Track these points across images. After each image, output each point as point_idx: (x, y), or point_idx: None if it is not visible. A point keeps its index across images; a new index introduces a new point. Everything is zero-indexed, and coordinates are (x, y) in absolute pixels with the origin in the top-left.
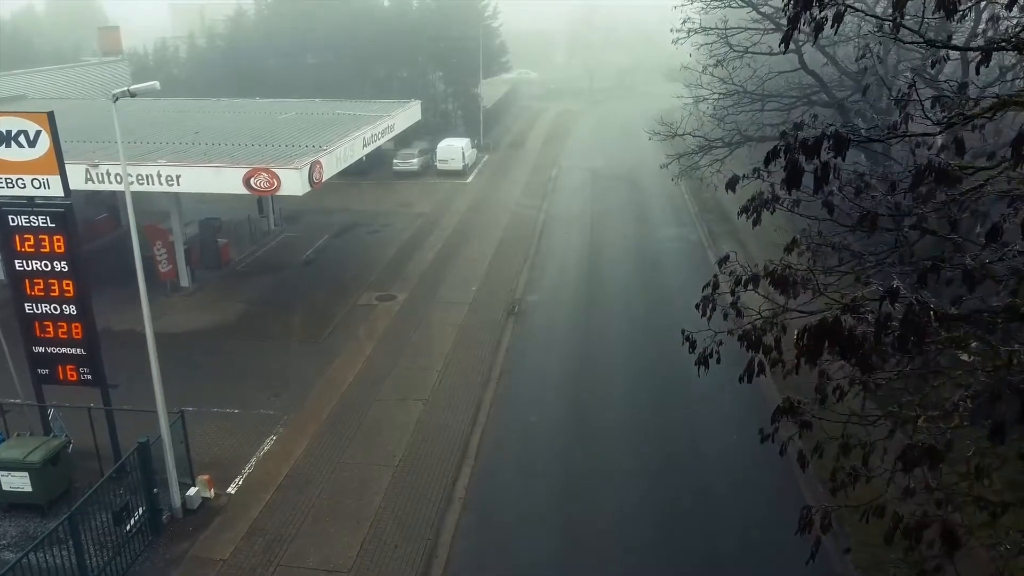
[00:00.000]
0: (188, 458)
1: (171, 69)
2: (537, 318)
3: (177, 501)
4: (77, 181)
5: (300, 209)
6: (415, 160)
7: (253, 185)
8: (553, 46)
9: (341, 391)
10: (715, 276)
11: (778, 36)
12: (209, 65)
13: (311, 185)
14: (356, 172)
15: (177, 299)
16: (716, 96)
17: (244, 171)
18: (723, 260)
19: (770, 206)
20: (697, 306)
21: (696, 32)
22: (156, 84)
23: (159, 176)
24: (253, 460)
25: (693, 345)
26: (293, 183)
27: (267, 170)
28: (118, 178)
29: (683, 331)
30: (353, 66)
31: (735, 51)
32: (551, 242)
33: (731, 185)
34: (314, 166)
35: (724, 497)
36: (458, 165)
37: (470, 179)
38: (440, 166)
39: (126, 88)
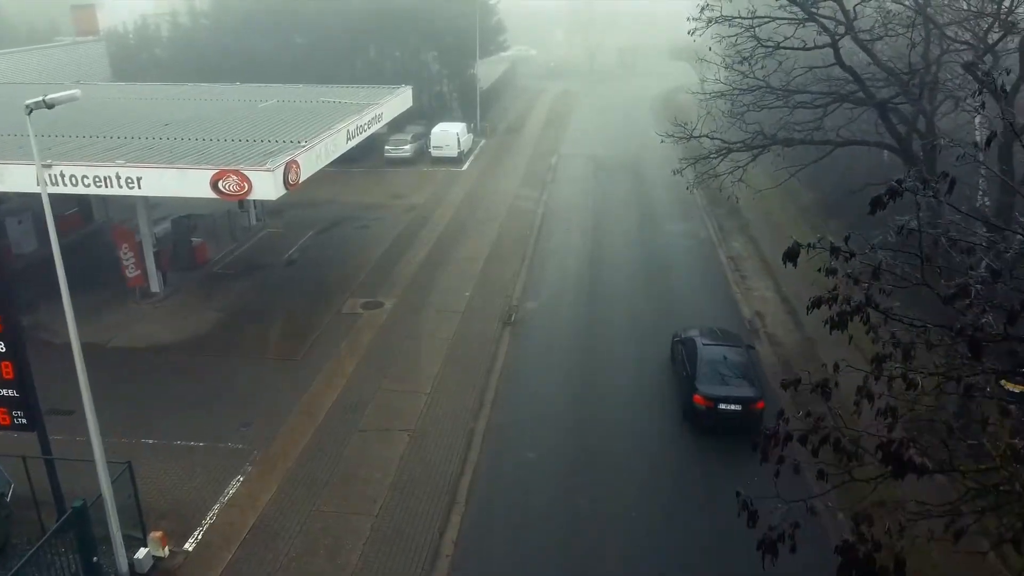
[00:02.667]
0: (139, 511)
1: (153, 49)
2: (535, 329)
3: (124, 565)
4: (29, 183)
5: (285, 202)
6: (408, 147)
7: (222, 188)
8: (553, 23)
9: (318, 421)
10: (781, 422)
11: (809, 29)
12: (193, 44)
13: (286, 187)
14: (346, 159)
15: (146, 307)
16: (735, 91)
17: (212, 173)
18: (792, 383)
19: (863, 312)
20: (757, 448)
21: (717, 21)
22: (77, 93)
23: (118, 178)
24: (216, 507)
25: (753, 518)
26: (265, 187)
27: (236, 172)
28: (74, 180)
29: (738, 494)
30: (343, 46)
31: (764, 46)
32: (551, 239)
33: (791, 258)
34: (289, 166)
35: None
36: (453, 152)
37: (466, 167)
38: (434, 153)
39: (41, 98)
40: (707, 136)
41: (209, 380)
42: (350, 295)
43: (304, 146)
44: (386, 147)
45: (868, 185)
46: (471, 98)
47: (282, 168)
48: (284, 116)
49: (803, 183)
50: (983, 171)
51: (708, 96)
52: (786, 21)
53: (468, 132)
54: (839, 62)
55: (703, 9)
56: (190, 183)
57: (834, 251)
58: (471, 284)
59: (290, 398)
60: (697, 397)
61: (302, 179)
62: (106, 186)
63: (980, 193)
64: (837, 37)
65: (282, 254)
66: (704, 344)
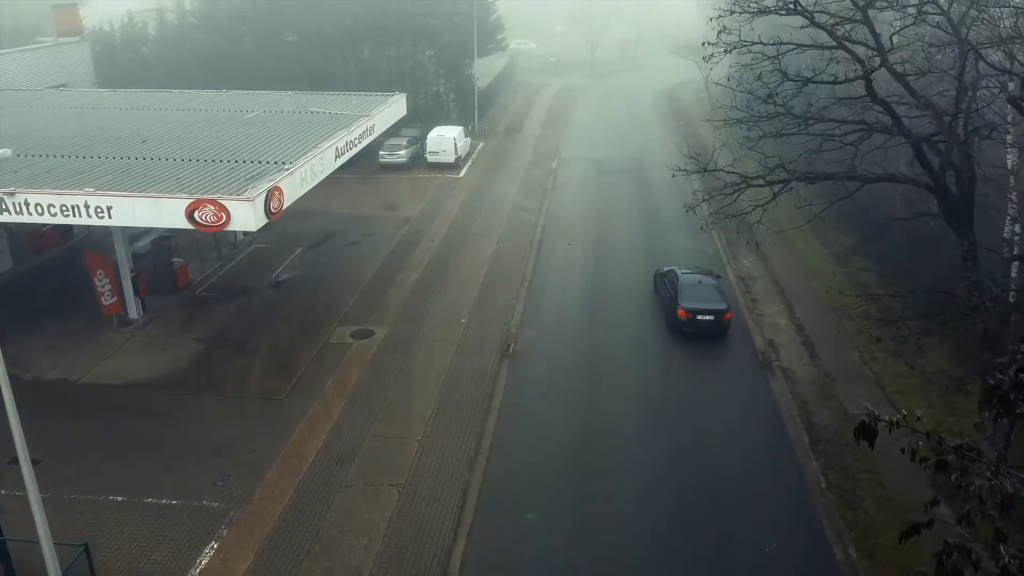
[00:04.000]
0: None
1: (140, 47)
2: (534, 362)
3: None
4: None
5: None
6: (403, 151)
7: (198, 219)
8: (553, 15)
9: (300, 475)
10: None
11: (834, 51)
12: (181, 43)
13: (268, 216)
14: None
15: (124, 336)
16: (753, 118)
17: (187, 203)
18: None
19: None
20: None
21: (735, 48)
22: (7, 152)
23: (87, 207)
24: None
25: None
26: (245, 217)
27: (213, 202)
28: (39, 208)
29: None
30: (336, 45)
31: (790, 79)
32: (551, 257)
33: (866, 436)
34: (271, 194)
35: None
36: (450, 157)
37: (463, 173)
38: (430, 158)
39: None
40: (723, 170)
41: (187, 423)
42: (339, 323)
43: (288, 169)
44: (381, 152)
45: (896, 220)
46: (469, 99)
47: (263, 196)
48: (269, 130)
49: (818, 202)
50: (1013, 198)
51: (723, 123)
52: (812, 48)
53: (465, 136)
54: (872, 96)
55: (720, 33)
56: (164, 213)
57: (940, 465)
58: (467, 309)
59: (272, 445)
60: (680, 311)
61: (286, 205)
62: (74, 215)
63: (1008, 219)
64: (870, 69)
65: (269, 274)
66: (683, 273)
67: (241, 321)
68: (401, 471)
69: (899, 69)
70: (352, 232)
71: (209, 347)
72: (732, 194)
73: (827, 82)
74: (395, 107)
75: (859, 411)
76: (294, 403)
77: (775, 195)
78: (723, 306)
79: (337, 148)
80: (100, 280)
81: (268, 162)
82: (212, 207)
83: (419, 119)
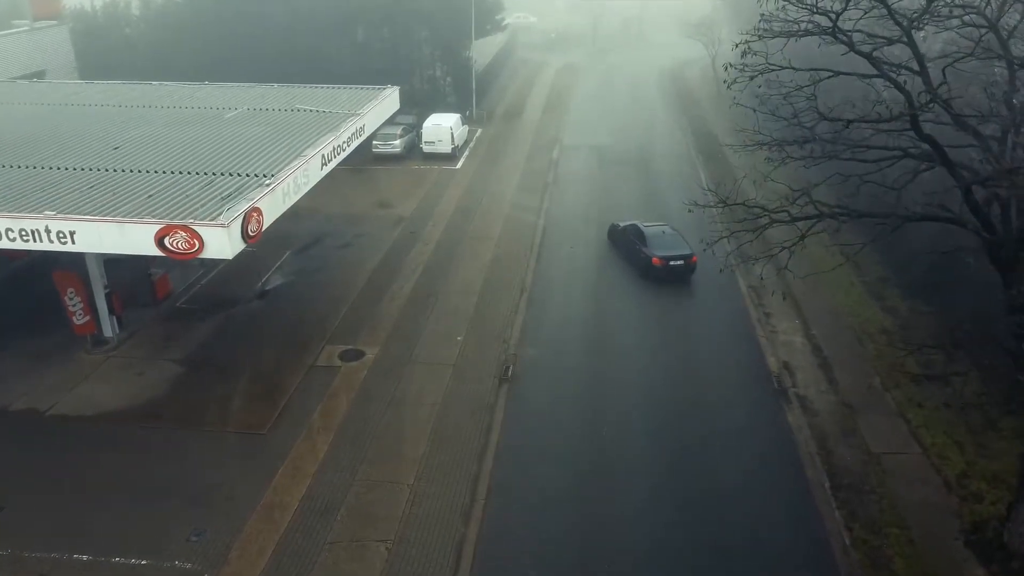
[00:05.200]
0: None
1: (123, 28)
2: (535, 389)
3: None
4: None
5: None
6: (398, 141)
7: (168, 246)
8: None
9: (282, 528)
10: None
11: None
12: (165, 25)
13: (245, 241)
14: None
15: (98, 357)
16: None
17: (156, 228)
18: None
19: None
20: None
21: (763, 73)
22: None
23: (48, 232)
24: None
25: None
26: (219, 245)
27: (185, 228)
28: None
29: None
30: (329, 27)
31: (829, 120)
32: (552, 263)
33: None
34: (249, 217)
35: None
36: (446, 148)
37: (460, 164)
38: (426, 148)
39: None
40: (744, 204)
41: (163, 463)
42: (327, 341)
43: (269, 184)
44: (374, 142)
45: (934, 253)
46: (466, 82)
47: (239, 220)
48: (251, 133)
49: (850, 232)
50: None
51: (748, 148)
52: (848, 74)
53: (463, 123)
54: (919, 134)
55: (744, 54)
56: (131, 239)
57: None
58: (463, 325)
59: (252, 491)
60: (655, 259)
61: (267, 225)
62: (34, 240)
63: None
64: (918, 106)
65: (255, 282)
66: (646, 226)
67: (223, 339)
68: (390, 523)
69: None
70: (343, 234)
71: (189, 370)
72: (754, 231)
73: (871, 120)
74: (387, 102)
75: (884, 449)
76: (277, 438)
77: (803, 236)
78: (689, 251)
79: (324, 156)
80: (71, 299)
81: (247, 175)
82: (183, 233)
83: (415, 105)
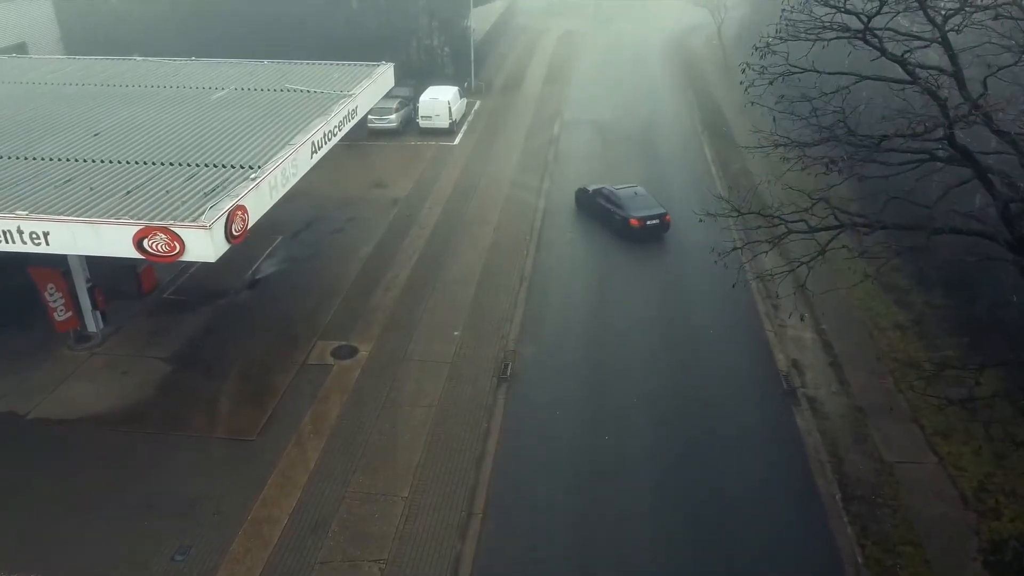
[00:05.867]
0: None
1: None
2: (534, 387)
3: None
4: None
5: None
6: (394, 116)
7: (148, 248)
8: None
9: (270, 546)
10: None
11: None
12: None
13: (228, 242)
14: None
15: (82, 354)
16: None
17: (135, 230)
18: None
19: None
20: None
21: (783, 76)
22: None
23: (20, 233)
24: None
25: None
26: (202, 247)
27: (165, 229)
28: None
29: None
30: None
31: (864, 141)
32: (552, 249)
33: None
34: (233, 216)
35: None
36: (444, 123)
37: (458, 140)
38: (423, 123)
39: None
40: (758, 213)
41: (148, 471)
42: (319, 336)
43: (255, 178)
44: (369, 116)
45: (963, 261)
46: (464, 52)
47: (223, 220)
48: (238, 116)
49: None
50: None
51: (764, 148)
52: (875, 79)
53: (461, 97)
54: (954, 145)
55: (763, 54)
56: (108, 241)
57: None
58: (460, 318)
59: (240, 503)
60: (633, 221)
61: (253, 223)
62: (6, 241)
63: None
64: (955, 118)
65: (244, 271)
66: (618, 189)
67: (212, 334)
68: (384, 540)
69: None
70: (336, 217)
71: (175, 368)
72: (769, 242)
73: (905, 135)
74: (381, 80)
75: (897, 458)
76: (266, 445)
77: (823, 250)
78: (663, 210)
79: (313, 143)
80: (51, 295)
81: (232, 166)
82: (163, 235)
83: (411, 76)
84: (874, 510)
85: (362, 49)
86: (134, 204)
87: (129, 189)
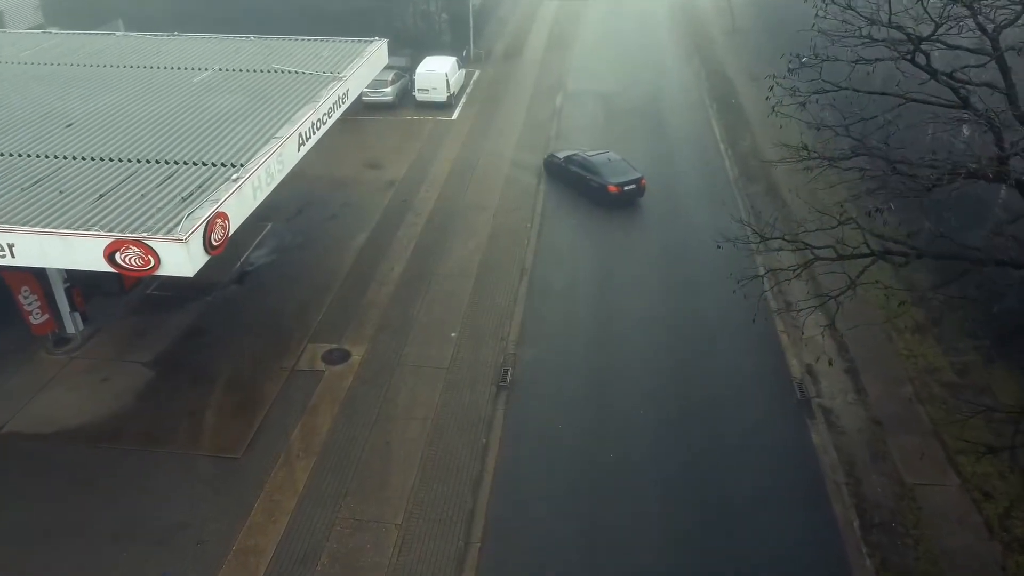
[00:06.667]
0: None
1: None
2: (535, 398)
3: None
4: None
5: None
6: (389, 88)
7: (120, 262)
8: None
9: None
10: None
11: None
12: None
13: (208, 252)
14: None
15: (61, 358)
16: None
17: (106, 243)
18: None
19: None
20: None
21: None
22: None
23: None
24: None
25: None
26: (178, 261)
27: (138, 243)
28: None
29: None
30: None
31: (909, 176)
32: (555, 237)
33: None
34: (212, 224)
35: None
36: (441, 96)
37: (456, 115)
38: (419, 97)
39: None
40: (784, 238)
41: (127, 493)
42: (309, 338)
43: (237, 179)
44: (364, 89)
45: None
46: (463, 19)
47: (201, 230)
48: (220, 104)
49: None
50: None
51: (801, 162)
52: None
53: (459, 67)
54: (1006, 179)
55: (793, 69)
56: (78, 254)
57: None
58: (458, 317)
59: (224, 531)
60: (611, 187)
61: (234, 229)
62: None
63: None
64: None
65: (232, 263)
66: (591, 155)
67: (197, 335)
68: (377, 574)
69: None
70: (328, 202)
71: (158, 374)
72: (795, 270)
73: (959, 173)
74: (374, 58)
75: (918, 479)
76: (253, 464)
77: (853, 283)
78: (639, 175)
79: (301, 135)
80: (26, 298)
81: (213, 163)
82: (137, 249)
83: (407, 44)
84: (895, 540)
85: (356, 15)
86: (106, 211)
87: (102, 192)
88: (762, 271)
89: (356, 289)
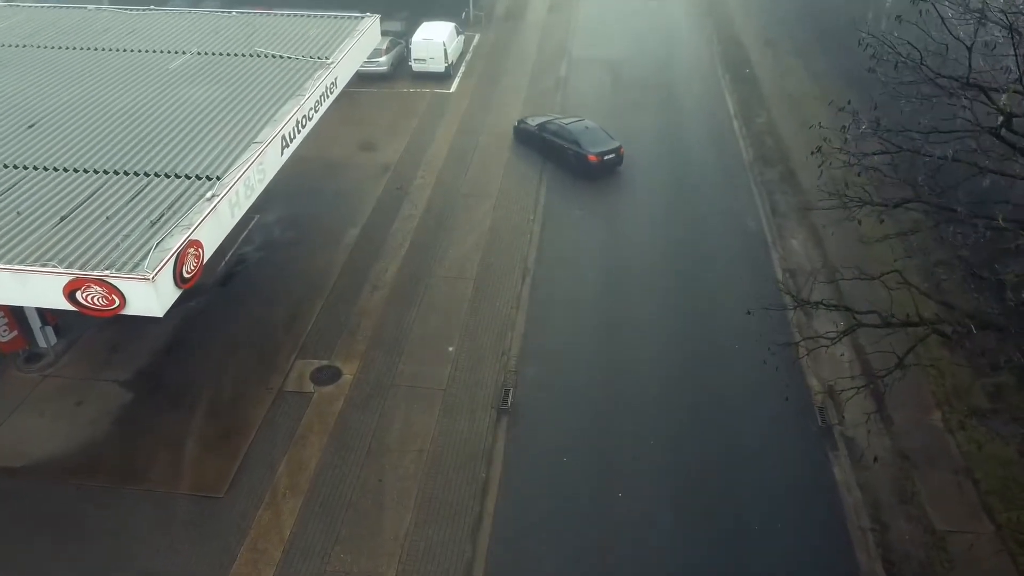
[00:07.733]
0: None
1: None
2: (538, 424)
3: None
4: None
5: None
6: (384, 59)
7: (82, 301)
8: None
9: None
10: None
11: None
12: None
13: (179, 287)
14: None
15: (33, 377)
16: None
17: (65, 280)
18: None
19: None
20: None
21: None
22: None
23: None
24: None
25: None
26: (145, 301)
27: (100, 282)
28: None
29: None
30: None
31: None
32: (559, 232)
33: None
34: (183, 255)
35: None
36: (439, 66)
37: (454, 87)
38: (416, 67)
39: None
40: (822, 304)
41: (99, 540)
42: (298, 353)
43: (211, 198)
44: None
45: None
46: None
47: (171, 265)
48: (198, 97)
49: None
50: None
51: (841, 214)
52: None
53: (457, 34)
54: None
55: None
56: (36, 292)
57: None
58: (456, 328)
59: None
60: (591, 156)
61: (209, 256)
62: None
63: None
64: None
65: (216, 263)
66: (568, 123)
67: (178, 348)
68: None
69: None
70: (319, 190)
71: (136, 396)
72: (834, 338)
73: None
74: (365, 38)
75: (949, 526)
76: (236, 504)
77: (901, 361)
78: (618, 143)
79: (284, 137)
80: None
81: (186, 175)
82: (99, 288)
83: (403, 6)
84: None
85: None
86: (68, 237)
87: (64, 214)
88: (797, 336)
89: (348, 294)
